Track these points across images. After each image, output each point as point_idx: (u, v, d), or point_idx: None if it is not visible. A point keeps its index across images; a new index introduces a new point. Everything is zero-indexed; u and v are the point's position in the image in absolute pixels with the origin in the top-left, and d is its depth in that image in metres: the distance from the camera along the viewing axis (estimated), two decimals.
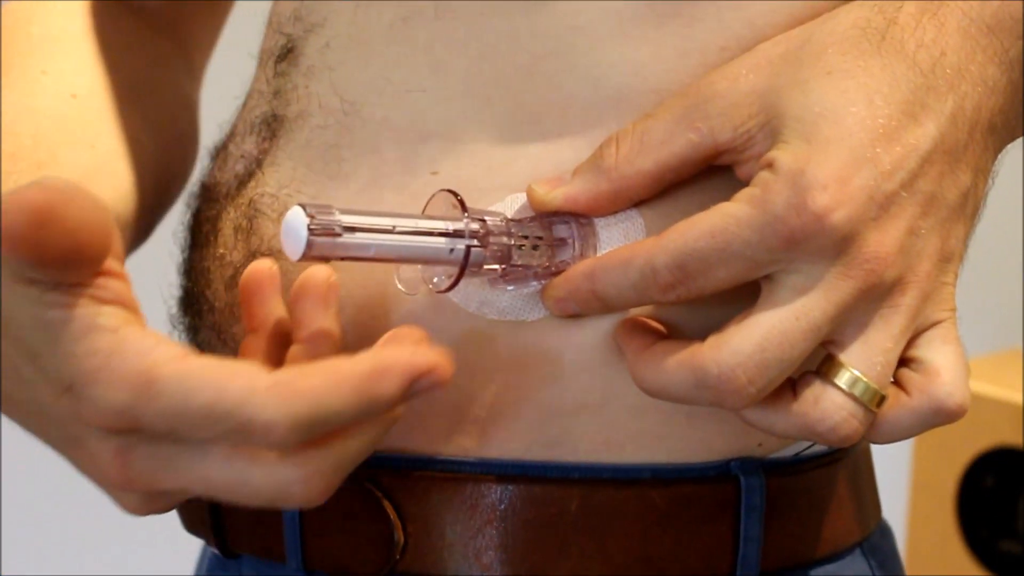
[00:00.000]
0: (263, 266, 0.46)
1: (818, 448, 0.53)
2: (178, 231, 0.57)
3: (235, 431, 0.38)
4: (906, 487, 1.40)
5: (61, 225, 0.37)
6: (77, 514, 1.41)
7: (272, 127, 0.53)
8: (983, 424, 1.33)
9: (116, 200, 0.54)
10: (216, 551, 0.56)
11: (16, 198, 0.36)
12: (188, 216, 0.57)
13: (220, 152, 0.57)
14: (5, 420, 0.46)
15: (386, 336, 0.43)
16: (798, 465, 0.52)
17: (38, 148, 0.52)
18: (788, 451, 0.52)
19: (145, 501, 0.43)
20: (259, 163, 0.52)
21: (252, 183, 0.52)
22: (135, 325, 0.40)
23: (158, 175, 0.59)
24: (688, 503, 0.49)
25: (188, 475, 0.41)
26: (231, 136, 0.56)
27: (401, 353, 0.39)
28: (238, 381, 0.38)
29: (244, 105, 0.57)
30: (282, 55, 0.53)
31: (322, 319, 0.44)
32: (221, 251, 0.53)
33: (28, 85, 0.54)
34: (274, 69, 0.53)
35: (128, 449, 0.40)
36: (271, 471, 0.40)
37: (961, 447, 1.36)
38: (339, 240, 0.41)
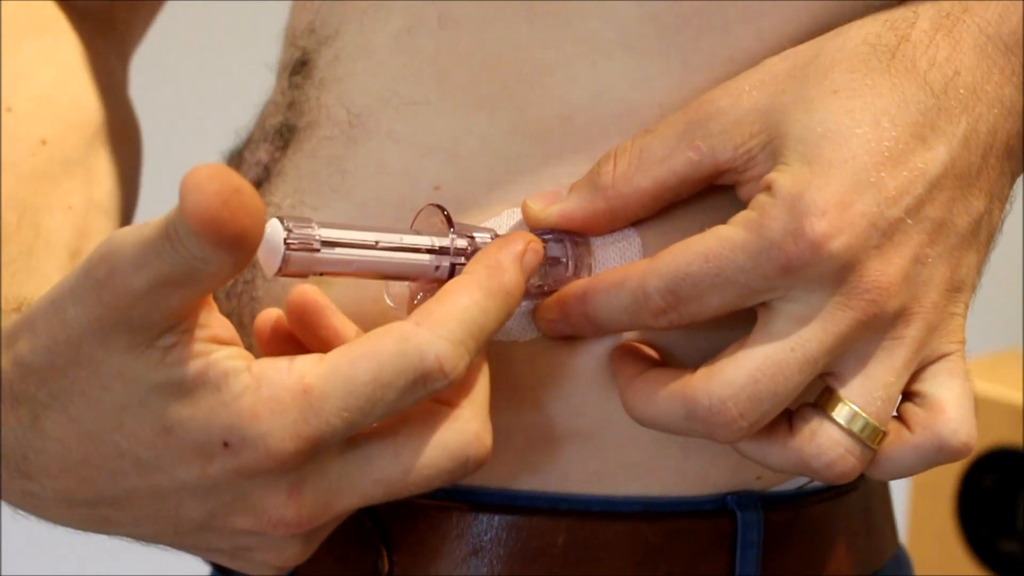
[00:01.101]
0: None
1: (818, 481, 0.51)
2: None
3: (413, 384, 0.38)
4: (906, 487, 1.39)
5: (248, 194, 0.34)
6: None
7: (284, 137, 0.52)
8: (983, 424, 1.31)
9: None
10: (212, 567, 0.55)
11: (202, 171, 0.34)
12: None
13: (235, 158, 0.56)
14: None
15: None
16: (800, 500, 0.50)
17: (23, 226, 0.50)
18: (790, 484, 0.50)
19: (308, 541, 0.42)
20: (267, 172, 0.52)
21: (261, 192, 0.51)
22: (260, 357, 0.39)
23: (127, 212, 0.58)
24: (681, 538, 0.48)
25: (363, 485, 0.40)
26: (247, 143, 0.55)
27: (494, 246, 0.42)
28: (387, 339, 0.38)
29: (261, 113, 0.56)
30: (296, 68, 0.52)
31: (343, 319, 0.43)
32: None
33: None
34: (289, 81, 0.52)
35: (300, 482, 0.39)
36: (446, 439, 0.41)
37: None
38: (318, 255, 0.40)
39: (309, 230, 0.40)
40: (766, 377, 0.41)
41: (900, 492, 1.39)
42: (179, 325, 0.37)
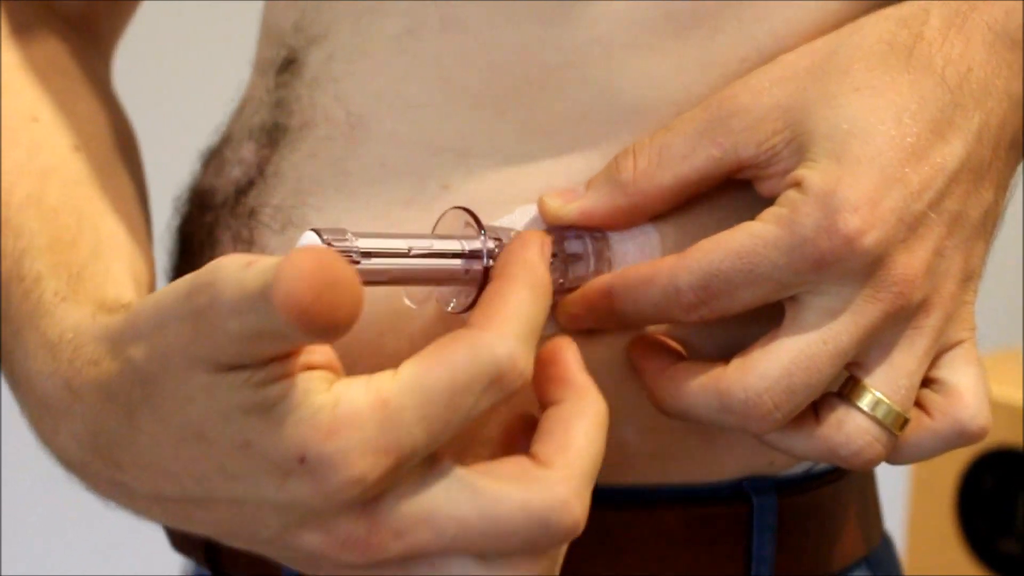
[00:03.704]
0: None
1: (827, 464, 0.52)
2: (165, 236, 0.56)
3: (489, 386, 0.38)
4: (906, 487, 1.40)
5: (343, 289, 0.34)
6: (78, 515, 1.40)
7: (273, 136, 0.51)
8: None
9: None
10: (208, 572, 0.55)
11: (301, 259, 0.33)
12: (178, 221, 0.56)
13: (214, 157, 0.55)
14: (4, 420, 0.45)
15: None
16: (808, 482, 0.52)
17: (83, 229, 0.50)
18: (799, 467, 0.51)
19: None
20: (261, 172, 0.51)
21: (253, 192, 0.51)
22: (344, 378, 0.38)
23: (145, 216, 0.58)
24: (701, 524, 0.49)
25: (437, 518, 0.38)
26: (226, 141, 0.55)
27: (516, 247, 0.42)
28: (457, 345, 0.38)
29: (240, 111, 0.55)
30: (284, 66, 0.52)
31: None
32: None
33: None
34: (275, 80, 0.52)
35: (375, 502, 0.38)
36: (528, 496, 0.38)
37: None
38: (356, 267, 0.40)
39: (347, 242, 0.39)
40: (800, 370, 0.42)
41: (900, 492, 1.39)
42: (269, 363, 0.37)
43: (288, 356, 0.37)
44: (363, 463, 0.36)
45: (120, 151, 0.57)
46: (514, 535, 0.38)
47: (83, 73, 0.58)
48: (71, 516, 1.43)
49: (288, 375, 0.37)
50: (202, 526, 0.41)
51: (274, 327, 0.35)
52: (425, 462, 0.38)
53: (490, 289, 0.41)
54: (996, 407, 1.31)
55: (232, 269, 0.35)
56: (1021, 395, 1.32)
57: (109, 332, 0.41)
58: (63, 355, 0.42)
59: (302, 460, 0.36)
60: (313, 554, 0.39)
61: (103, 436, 0.41)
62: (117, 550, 1.41)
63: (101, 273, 0.48)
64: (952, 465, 1.36)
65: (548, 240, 0.43)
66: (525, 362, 0.38)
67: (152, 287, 0.52)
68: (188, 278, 0.37)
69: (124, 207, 0.53)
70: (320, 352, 0.38)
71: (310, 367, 0.37)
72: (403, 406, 0.37)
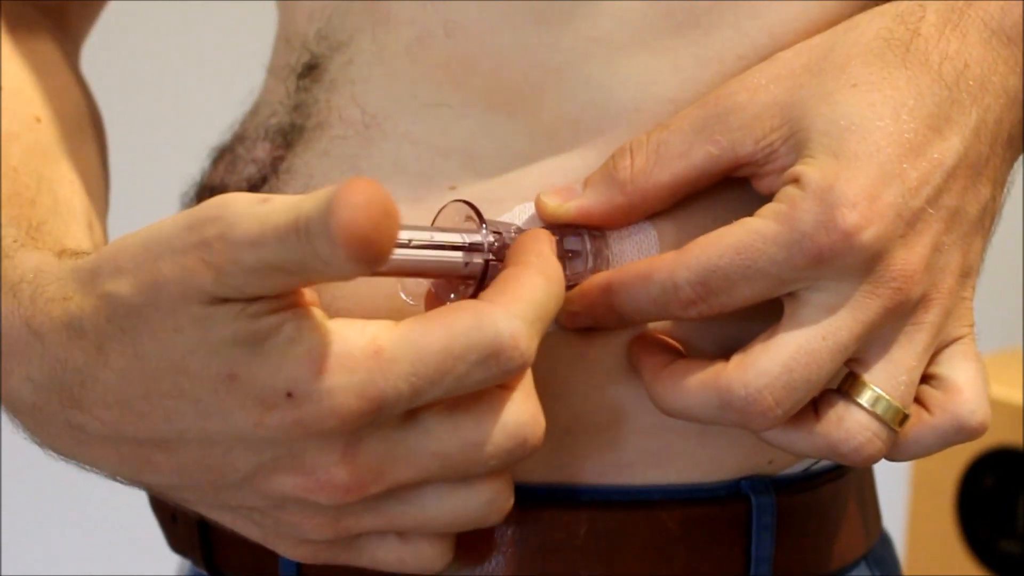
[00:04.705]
0: None
1: (826, 463, 0.52)
2: None
3: (485, 359, 0.38)
4: (906, 487, 1.40)
5: (395, 220, 0.34)
6: (78, 515, 1.40)
7: (288, 136, 0.52)
8: None
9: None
10: (205, 572, 0.54)
11: (361, 187, 0.34)
12: None
13: (226, 154, 0.56)
14: (5, 420, 0.45)
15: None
16: (808, 481, 0.51)
17: (42, 191, 0.50)
18: (798, 467, 0.51)
19: (343, 539, 0.41)
20: (274, 169, 0.52)
21: (265, 188, 0.51)
22: (340, 318, 0.38)
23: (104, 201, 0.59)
24: (699, 524, 0.48)
25: (420, 455, 0.39)
26: (239, 139, 0.55)
27: (529, 240, 0.42)
28: (462, 312, 0.38)
29: (255, 112, 0.56)
30: (305, 71, 0.52)
31: None
32: None
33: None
34: (296, 84, 0.52)
35: (355, 444, 0.38)
36: (506, 417, 0.40)
37: (960, 447, 1.35)
38: None
39: None
40: (800, 366, 0.42)
41: (900, 492, 1.39)
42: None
43: (289, 291, 0.37)
44: (346, 404, 0.37)
45: (85, 129, 0.57)
46: (498, 453, 0.40)
47: (58, 56, 0.59)
48: (71, 516, 1.44)
49: (283, 308, 0.37)
50: (161, 474, 0.41)
51: (301, 259, 0.35)
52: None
53: (504, 273, 0.41)
54: (996, 407, 1.31)
55: (245, 203, 0.36)
56: (1021, 395, 1.32)
57: (79, 270, 0.40)
58: (23, 295, 0.42)
59: (290, 394, 0.37)
60: (283, 499, 0.39)
61: (65, 375, 0.40)
62: (116, 550, 1.42)
63: (60, 228, 0.48)
64: (952, 465, 1.36)
65: (554, 238, 0.43)
66: (527, 344, 0.39)
67: None
68: (184, 214, 0.37)
69: (84, 178, 0.54)
70: (304, 293, 0.38)
71: (300, 303, 0.38)
72: (395, 358, 0.37)
